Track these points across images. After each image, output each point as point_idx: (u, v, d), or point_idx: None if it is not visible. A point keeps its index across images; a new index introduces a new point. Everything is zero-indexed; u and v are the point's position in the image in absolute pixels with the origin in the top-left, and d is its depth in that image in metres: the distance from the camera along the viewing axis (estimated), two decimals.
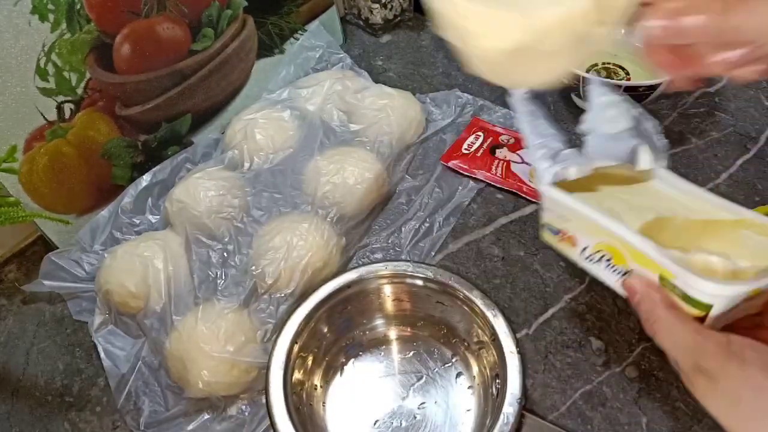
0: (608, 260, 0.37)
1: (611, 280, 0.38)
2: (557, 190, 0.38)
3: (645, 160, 0.38)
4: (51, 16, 0.51)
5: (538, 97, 0.41)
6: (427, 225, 0.60)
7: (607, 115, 0.40)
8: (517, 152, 0.65)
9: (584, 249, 0.38)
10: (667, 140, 0.39)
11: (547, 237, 0.42)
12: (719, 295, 0.32)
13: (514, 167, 0.63)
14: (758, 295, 0.33)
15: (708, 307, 0.32)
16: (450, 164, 0.65)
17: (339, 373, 0.51)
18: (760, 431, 0.29)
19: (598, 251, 0.37)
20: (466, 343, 0.51)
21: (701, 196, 0.38)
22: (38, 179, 0.56)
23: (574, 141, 0.41)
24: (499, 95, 0.72)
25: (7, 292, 0.61)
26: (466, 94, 0.71)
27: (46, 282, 0.56)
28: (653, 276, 0.34)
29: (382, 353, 0.52)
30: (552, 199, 0.39)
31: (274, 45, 0.72)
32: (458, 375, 0.50)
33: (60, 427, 0.52)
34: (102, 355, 0.53)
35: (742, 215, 0.36)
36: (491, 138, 0.66)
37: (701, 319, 0.33)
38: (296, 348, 0.46)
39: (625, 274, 0.36)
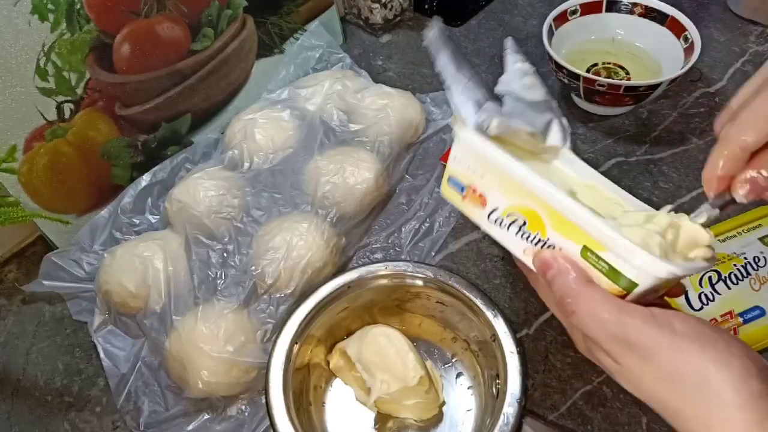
0: (520, 225, 0.34)
1: (518, 247, 0.35)
2: (482, 138, 0.34)
3: (555, 136, 0.36)
4: (51, 16, 0.51)
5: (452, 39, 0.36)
6: (427, 225, 0.60)
7: (523, 81, 0.37)
8: None
9: (493, 210, 0.35)
10: (568, 124, 0.37)
11: (448, 193, 0.38)
12: (651, 274, 0.30)
13: None
14: (663, 286, 0.32)
15: (633, 286, 0.30)
16: None
17: None
18: (701, 404, 0.28)
19: (510, 214, 0.34)
20: (466, 343, 0.51)
21: (601, 182, 0.36)
22: (38, 179, 0.56)
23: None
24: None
25: (7, 292, 0.61)
26: None
27: (45, 282, 0.56)
28: (574, 247, 0.32)
29: None
30: (471, 148, 0.35)
31: (274, 45, 0.72)
32: (458, 375, 0.50)
33: (60, 427, 0.52)
34: (102, 355, 0.53)
35: (655, 213, 0.34)
36: None
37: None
38: (296, 348, 0.46)
39: (537, 242, 0.33)
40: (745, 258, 0.52)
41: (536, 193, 0.33)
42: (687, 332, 0.29)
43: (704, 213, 0.33)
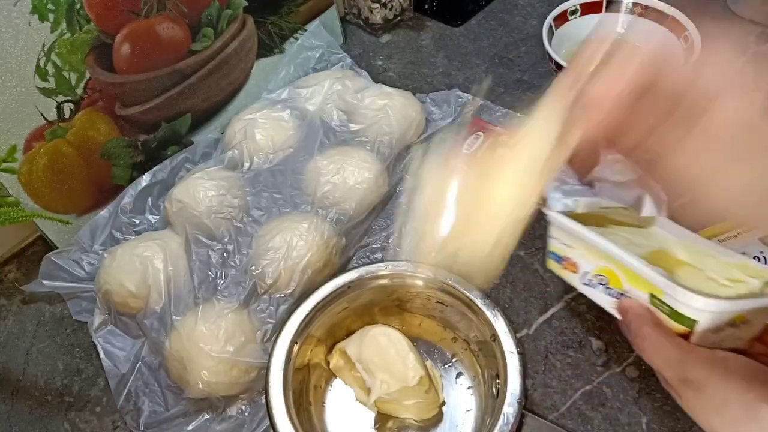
0: (605, 284, 0.40)
1: (607, 302, 0.40)
2: (564, 217, 0.41)
3: (648, 207, 0.41)
4: (51, 16, 0.51)
5: None
6: None
7: (614, 167, 0.43)
8: None
9: (585, 274, 0.41)
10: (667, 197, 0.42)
11: (552, 265, 0.45)
12: (704, 311, 0.33)
13: None
14: (743, 324, 0.35)
15: (693, 323, 0.34)
16: None
17: None
18: None
19: (597, 275, 0.40)
20: (466, 343, 0.51)
21: (701, 242, 0.41)
22: (38, 179, 0.56)
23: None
24: (498, 95, 0.72)
25: (7, 292, 0.61)
26: (466, 94, 0.70)
27: (45, 282, 0.56)
28: (644, 295, 0.37)
29: None
30: (559, 226, 0.41)
31: (274, 45, 0.72)
32: (458, 375, 0.50)
33: (60, 427, 0.52)
34: (102, 355, 0.53)
35: (743, 260, 0.38)
36: (491, 138, 0.66)
37: (686, 336, 0.35)
38: (296, 348, 0.46)
39: (619, 296, 0.39)
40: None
41: (609, 255, 0.38)
42: (738, 370, 0.32)
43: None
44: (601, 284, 0.40)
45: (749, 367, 0.33)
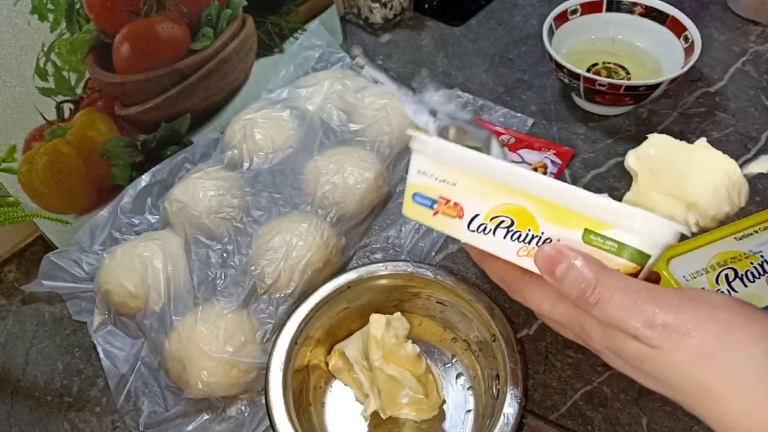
0: (508, 227, 0.31)
1: (511, 251, 0.32)
2: (451, 143, 0.32)
3: (497, 151, 0.35)
4: (50, 16, 0.51)
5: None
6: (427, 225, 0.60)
7: (452, 104, 0.37)
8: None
9: (474, 218, 0.32)
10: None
11: (414, 212, 0.35)
12: (662, 236, 0.28)
13: None
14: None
15: (645, 258, 0.29)
16: None
17: None
18: (759, 385, 0.26)
19: (495, 217, 0.32)
20: (466, 344, 0.51)
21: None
22: (37, 179, 0.56)
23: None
24: (499, 95, 0.72)
25: (7, 292, 0.61)
26: (466, 94, 0.70)
27: (45, 282, 0.56)
28: (574, 234, 0.30)
29: None
30: (439, 156, 0.32)
31: (274, 44, 0.72)
32: (458, 375, 0.50)
33: (59, 427, 0.52)
34: (101, 355, 0.53)
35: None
36: None
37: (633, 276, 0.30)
38: (296, 348, 0.46)
39: (531, 240, 0.31)
40: (762, 256, 0.52)
41: (521, 187, 0.31)
42: (727, 306, 0.27)
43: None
44: (501, 228, 0.32)
45: (731, 301, 0.27)
